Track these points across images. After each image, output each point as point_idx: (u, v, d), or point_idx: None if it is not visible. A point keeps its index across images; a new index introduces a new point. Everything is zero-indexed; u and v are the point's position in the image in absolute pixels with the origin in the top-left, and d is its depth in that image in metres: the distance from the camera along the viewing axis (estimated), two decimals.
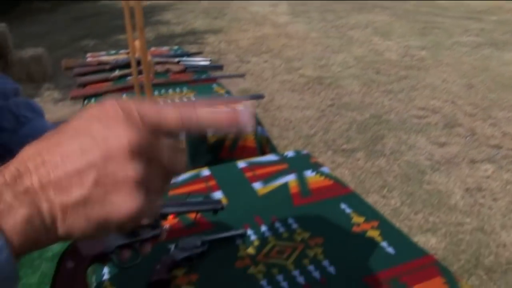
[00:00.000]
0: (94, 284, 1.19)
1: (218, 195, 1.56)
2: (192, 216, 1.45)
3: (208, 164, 1.94)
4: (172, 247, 1.24)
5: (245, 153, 2.42)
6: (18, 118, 0.85)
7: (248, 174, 1.69)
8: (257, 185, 1.61)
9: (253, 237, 1.34)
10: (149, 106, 0.45)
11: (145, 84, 1.94)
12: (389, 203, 3.25)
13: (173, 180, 0.49)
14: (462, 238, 2.88)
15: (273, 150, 2.41)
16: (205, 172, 1.72)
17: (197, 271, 1.20)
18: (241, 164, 1.78)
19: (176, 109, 0.46)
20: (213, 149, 2.36)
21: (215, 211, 1.00)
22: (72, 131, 0.43)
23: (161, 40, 8.55)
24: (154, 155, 0.44)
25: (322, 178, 1.66)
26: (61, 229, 0.42)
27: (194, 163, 2.26)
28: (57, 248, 2.88)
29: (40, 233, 0.42)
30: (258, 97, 2.69)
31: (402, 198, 3.37)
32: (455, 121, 4.73)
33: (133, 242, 0.85)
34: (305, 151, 1.89)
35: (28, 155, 0.43)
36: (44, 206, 0.41)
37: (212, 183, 1.64)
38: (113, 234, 0.82)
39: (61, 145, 0.43)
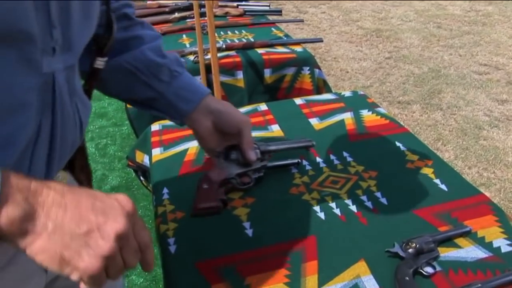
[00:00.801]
0: (155, 203, 1.27)
1: (275, 128, 1.60)
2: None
3: None
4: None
5: (302, 95, 2.44)
6: (172, 73, 1.06)
7: (305, 111, 1.72)
8: (314, 121, 1.64)
9: (308, 167, 1.37)
10: (139, 221, 0.63)
11: (208, 25, 1.97)
12: (443, 156, 3.21)
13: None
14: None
15: (329, 91, 2.41)
16: (263, 107, 1.76)
17: (253, 195, 1.25)
18: (298, 101, 1.80)
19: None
20: (270, 89, 2.39)
21: (307, 148, 1.27)
22: (95, 193, 0.60)
23: None
24: (124, 250, 0.59)
25: (379, 117, 1.67)
26: (35, 247, 0.54)
27: (251, 101, 2.31)
28: (113, 181, 3.02)
29: (18, 235, 0.53)
30: (317, 40, 2.68)
31: (457, 152, 3.32)
32: None
33: (247, 170, 1.19)
34: (361, 92, 1.89)
35: (53, 183, 0.57)
36: (41, 219, 0.54)
37: (269, 117, 1.67)
38: (234, 165, 1.17)
39: (79, 193, 0.58)
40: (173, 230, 1.14)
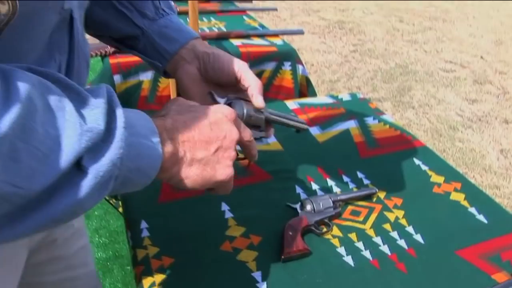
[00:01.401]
0: None
1: (270, 140, 1.34)
2: (244, 163, 1.23)
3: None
4: (297, 206, 1.05)
5: (281, 94, 2.19)
6: (158, 10, 0.92)
7: (302, 116, 1.46)
8: (315, 130, 1.39)
9: (320, 192, 1.13)
10: (241, 123, 0.71)
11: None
12: None
13: None
14: (499, 202, 2.69)
15: (312, 93, 2.17)
16: None
17: (258, 232, 1.00)
18: (292, 105, 1.55)
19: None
20: None
21: (298, 131, 0.96)
22: (202, 113, 0.66)
23: None
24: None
25: (387, 127, 1.44)
26: (182, 173, 0.62)
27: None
28: None
29: (171, 167, 0.61)
30: (298, 32, 2.43)
31: None
32: (485, 77, 4.48)
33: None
34: (361, 95, 1.66)
35: (173, 113, 0.65)
36: (181, 151, 0.61)
37: None
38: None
39: (195, 119, 0.64)
40: (160, 286, 0.87)
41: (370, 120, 1.47)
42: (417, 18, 6.27)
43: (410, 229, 1.03)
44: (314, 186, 1.15)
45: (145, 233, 0.99)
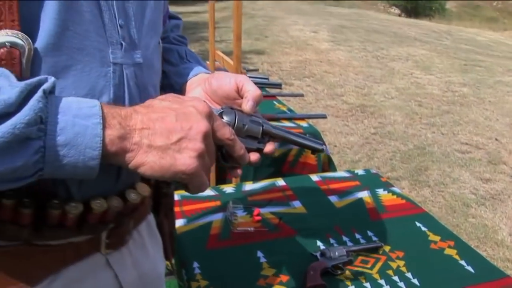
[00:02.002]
0: None
1: (296, 204, 1.63)
2: (275, 221, 1.52)
3: (270, 177, 2.02)
4: (318, 254, 1.32)
5: (306, 169, 2.48)
6: (183, 59, 1.04)
7: (323, 187, 1.75)
8: (334, 198, 1.68)
9: (336, 245, 1.40)
10: (218, 120, 0.71)
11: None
12: None
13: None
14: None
15: (333, 169, 2.47)
16: (281, 182, 1.79)
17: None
18: (314, 177, 1.84)
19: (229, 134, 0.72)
20: (276, 163, 2.43)
21: (314, 152, 0.97)
22: (174, 106, 0.67)
23: (204, 56, 8.73)
24: (209, 148, 0.67)
25: (395, 196, 1.72)
26: (138, 159, 0.63)
27: (256, 174, 2.34)
28: None
29: (122, 151, 0.62)
30: (321, 116, 2.76)
31: None
32: (499, 158, 4.74)
33: None
34: (374, 170, 1.95)
35: (142, 105, 0.67)
36: (136, 137, 0.63)
37: (289, 192, 1.71)
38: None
39: (162, 111, 0.66)
40: None
41: (380, 191, 1.75)
42: (436, 102, 6.61)
43: (409, 274, 1.29)
44: (332, 241, 1.42)
45: (197, 271, 1.27)
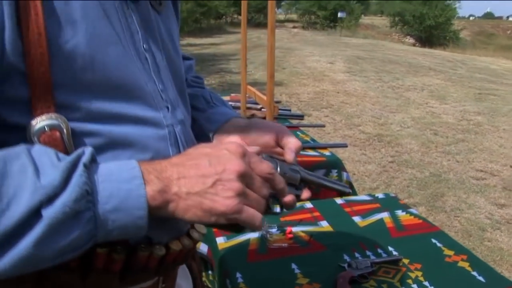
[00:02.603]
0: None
1: (324, 224, 1.82)
2: (306, 238, 1.71)
3: (297, 201, 2.21)
4: (345, 265, 1.51)
5: (329, 195, 2.68)
6: (209, 104, 1.10)
7: (347, 209, 1.95)
8: (357, 219, 1.87)
9: (360, 259, 1.59)
10: (254, 157, 0.73)
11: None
12: None
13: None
14: None
15: (354, 194, 2.66)
16: (308, 204, 1.98)
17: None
18: (339, 200, 2.04)
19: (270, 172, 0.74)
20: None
21: (342, 194, 1.06)
22: (207, 150, 0.71)
23: (224, 87, 9.01)
24: (251, 183, 0.71)
25: (412, 217, 1.90)
26: (180, 207, 0.66)
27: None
28: None
29: (164, 203, 0.65)
30: (342, 145, 2.96)
31: None
32: None
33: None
34: (393, 194, 2.14)
35: (178, 156, 0.72)
36: (174, 187, 0.66)
37: (316, 214, 1.90)
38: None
39: (196, 158, 0.69)
40: None
41: (399, 212, 1.94)
42: (451, 131, 6.79)
43: (426, 283, 1.47)
44: (357, 254, 1.61)
45: (240, 280, 1.47)
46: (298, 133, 3.12)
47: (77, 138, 0.69)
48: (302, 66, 12.55)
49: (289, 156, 0.89)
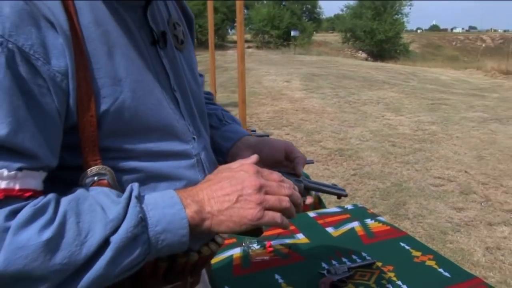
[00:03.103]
0: None
1: (300, 236, 1.95)
2: (285, 250, 1.84)
3: None
4: (325, 272, 1.64)
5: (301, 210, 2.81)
6: (222, 122, 1.23)
7: (320, 221, 2.09)
8: (330, 229, 2.01)
9: (338, 266, 1.72)
10: (266, 171, 0.86)
11: None
12: None
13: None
14: None
15: (323, 207, 2.80)
16: None
17: None
18: (311, 214, 2.18)
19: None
20: None
21: (339, 197, 1.21)
22: (227, 173, 0.84)
23: None
24: (269, 190, 0.83)
25: (380, 224, 2.05)
26: (215, 223, 0.80)
27: None
28: None
29: (201, 221, 0.79)
30: (308, 162, 3.11)
31: None
32: (470, 189, 5.14)
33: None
34: (360, 204, 2.29)
35: (202, 182, 0.85)
36: (207, 207, 0.80)
37: (292, 227, 2.03)
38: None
39: (219, 181, 0.83)
40: None
41: (368, 221, 2.09)
42: (408, 141, 7.07)
43: (399, 282, 1.61)
44: (334, 262, 1.74)
45: None
46: None
47: (122, 174, 0.82)
48: (260, 86, 12.76)
49: (298, 170, 1.05)
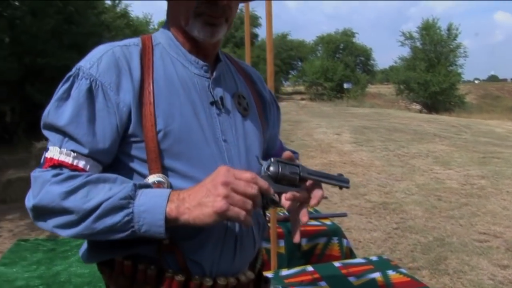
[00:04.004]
0: None
1: (322, 284, 2.10)
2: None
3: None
4: None
5: (331, 260, 2.94)
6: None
7: (343, 271, 2.23)
8: (352, 279, 2.15)
9: None
10: (237, 171, 1.01)
11: None
12: None
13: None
14: None
15: (354, 257, 2.92)
16: (309, 268, 2.27)
17: None
18: (337, 263, 2.32)
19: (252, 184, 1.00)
20: (306, 255, 2.90)
21: (341, 187, 1.26)
22: (210, 177, 1.01)
23: None
24: (236, 188, 0.98)
25: (401, 276, 2.17)
26: (191, 216, 0.98)
27: (290, 264, 2.81)
28: None
29: (179, 214, 0.98)
30: (342, 215, 3.25)
31: None
32: None
33: (280, 192, 1.16)
34: (386, 256, 2.42)
35: (185, 191, 1.02)
36: (186, 204, 0.99)
37: (316, 275, 2.18)
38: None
39: (200, 184, 1.01)
40: None
41: (390, 272, 2.21)
42: (454, 195, 7.03)
43: None
44: None
45: None
46: None
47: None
48: (310, 138, 12.97)
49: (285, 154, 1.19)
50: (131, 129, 1.10)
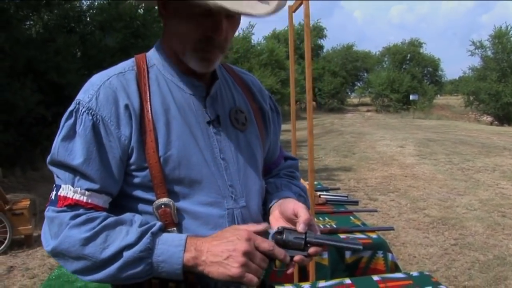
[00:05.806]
0: None
1: None
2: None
3: None
4: None
5: (376, 274, 2.92)
6: (278, 189, 1.42)
7: (381, 285, 2.21)
8: None
9: None
10: (258, 239, 1.11)
11: None
12: None
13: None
14: None
15: (399, 271, 2.88)
16: (347, 281, 2.27)
17: None
18: (375, 277, 2.31)
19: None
20: (350, 268, 2.89)
21: (354, 251, 1.26)
22: (228, 234, 1.11)
23: None
24: (253, 259, 1.08)
25: None
26: (206, 270, 1.07)
27: (333, 277, 2.81)
28: None
29: (196, 265, 1.07)
30: (389, 228, 3.22)
31: None
32: None
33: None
34: (427, 272, 2.38)
35: (212, 236, 1.13)
36: (203, 257, 1.08)
37: None
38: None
39: (220, 239, 1.10)
40: None
41: None
42: None
43: None
44: None
45: None
46: (351, 217, 3.41)
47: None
48: (372, 151, 12.82)
49: (299, 227, 1.18)
50: (133, 159, 1.15)
